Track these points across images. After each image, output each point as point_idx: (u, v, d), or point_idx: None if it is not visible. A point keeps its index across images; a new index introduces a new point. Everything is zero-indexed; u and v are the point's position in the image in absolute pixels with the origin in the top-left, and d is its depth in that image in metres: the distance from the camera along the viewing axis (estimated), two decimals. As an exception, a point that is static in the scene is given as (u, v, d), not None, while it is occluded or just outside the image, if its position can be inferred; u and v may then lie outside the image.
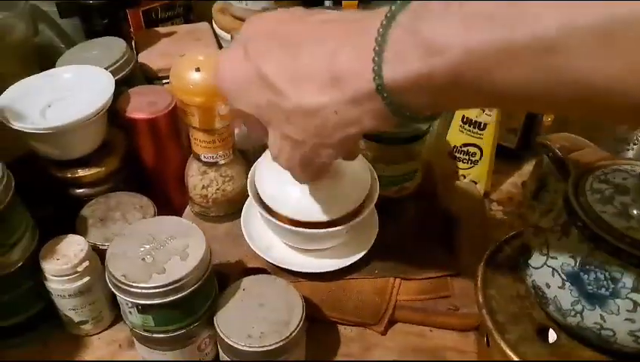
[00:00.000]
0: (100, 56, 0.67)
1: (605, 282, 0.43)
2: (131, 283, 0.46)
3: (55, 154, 0.60)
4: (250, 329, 0.50)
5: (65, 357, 0.57)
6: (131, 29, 0.82)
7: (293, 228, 0.56)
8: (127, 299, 0.47)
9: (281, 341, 0.49)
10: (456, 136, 0.72)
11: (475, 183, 0.75)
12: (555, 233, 0.47)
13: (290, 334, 0.50)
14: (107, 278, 0.48)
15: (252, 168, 0.62)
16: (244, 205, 0.66)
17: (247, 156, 0.69)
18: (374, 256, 0.62)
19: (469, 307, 0.59)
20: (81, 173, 0.62)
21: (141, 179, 0.67)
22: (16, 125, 0.56)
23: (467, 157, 0.73)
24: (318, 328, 0.59)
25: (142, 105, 0.62)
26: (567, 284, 0.45)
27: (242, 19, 0.83)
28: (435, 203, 0.70)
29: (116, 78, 0.65)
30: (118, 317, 0.60)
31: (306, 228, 0.56)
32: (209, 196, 0.65)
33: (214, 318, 0.51)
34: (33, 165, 0.61)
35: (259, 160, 0.61)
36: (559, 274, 0.46)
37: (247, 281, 0.54)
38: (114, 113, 0.63)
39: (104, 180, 0.63)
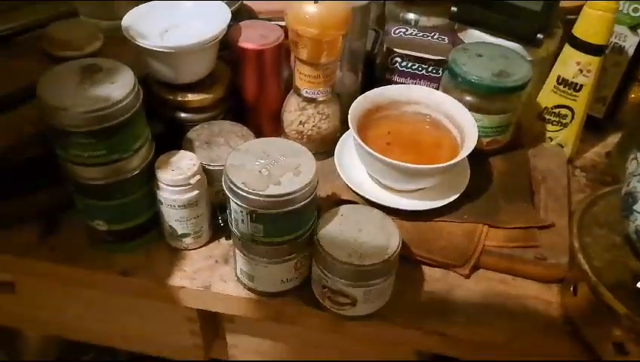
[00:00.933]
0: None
1: None
2: (250, 190, 0.49)
3: (168, 76, 0.63)
4: (351, 249, 0.52)
5: (166, 266, 0.61)
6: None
7: (391, 160, 0.58)
8: (245, 205, 0.50)
9: (380, 262, 0.52)
10: (548, 96, 0.73)
11: (562, 147, 0.75)
12: None
13: (389, 257, 0.52)
14: (225, 186, 0.51)
15: (352, 105, 0.64)
16: (338, 143, 0.68)
17: (340, 99, 0.71)
18: (465, 202, 0.64)
19: (557, 258, 0.60)
20: (190, 97, 0.65)
21: (240, 112, 0.70)
22: (140, 42, 0.59)
23: (557, 119, 0.73)
24: (404, 266, 0.60)
25: (253, 37, 0.65)
26: None
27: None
28: (523, 159, 0.71)
29: (227, 11, 0.68)
30: (214, 236, 0.64)
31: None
32: (305, 132, 0.67)
33: (315, 237, 0.53)
34: (148, 87, 0.65)
35: (356, 100, 0.63)
36: None
37: (344, 208, 0.56)
38: (224, 46, 0.66)
39: (209, 107, 0.66)
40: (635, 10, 0.71)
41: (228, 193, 0.51)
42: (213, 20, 0.63)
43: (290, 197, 0.49)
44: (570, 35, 0.68)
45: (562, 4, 0.79)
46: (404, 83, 0.74)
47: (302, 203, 0.50)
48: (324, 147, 0.69)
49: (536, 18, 0.67)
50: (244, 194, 0.49)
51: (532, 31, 0.67)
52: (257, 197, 0.49)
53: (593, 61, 0.67)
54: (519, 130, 0.75)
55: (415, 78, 0.73)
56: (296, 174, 0.51)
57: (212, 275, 0.60)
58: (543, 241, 0.62)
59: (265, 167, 0.51)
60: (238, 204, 0.50)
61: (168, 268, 0.61)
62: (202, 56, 0.62)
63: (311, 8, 0.58)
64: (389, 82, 0.75)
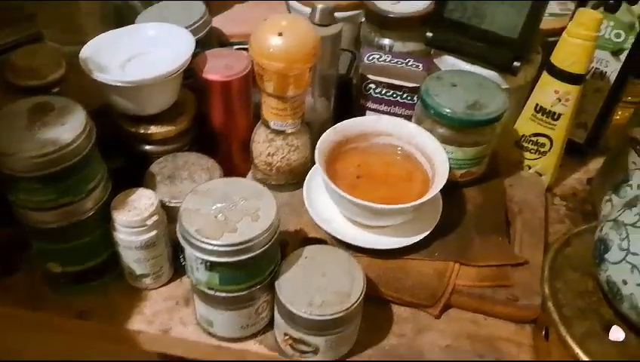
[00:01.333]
0: (179, 16, 0.67)
1: None
2: (203, 239, 0.47)
3: (131, 108, 0.61)
4: (312, 297, 0.50)
5: (125, 307, 0.59)
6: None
7: (363, 201, 0.56)
8: (198, 254, 0.48)
9: (342, 311, 0.50)
10: (526, 124, 0.71)
11: (541, 175, 0.73)
12: (638, 228, 0.45)
13: (352, 305, 0.50)
14: (178, 233, 0.49)
15: (320, 140, 0.62)
16: (307, 175, 0.66)
17: (311, 129, 0.69)
18: (435, 239, 0.62)
19: (529, 298, 0.58)
20: (153, 129, 0.62)
21: (208, 143, 0.68)
22: (98, 76, 0.57)
23: (535, 148, 0.71)
24: (372, 306, 0.58)
25: (218, 67, 0.63)
26: None
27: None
28: (498, 190, 0.69)
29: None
30: (175, 275, 0.62)
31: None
32: (273, 164, 0.65)
33: (276, 283, 0.51)
34: (108, 118, 0.63)
35: (324, 134, 0.61)
36: (639, 271, 0.44)
37: (309, 250, 0.54)
38: (189, 73, 0.63)
39: (174, 139, 0.64)
40: (617, 35, 0.69)
41: (181, 240, 0.49)
42: (178, 48, 0.61)
43: (247, 245, 0.47)
44: (548, 62, 0.66)
45: (542, 25, 0.78)
46: (378, 109, 0.72)
47: (260, 250, 0.48)
48: (294, 178, 0.67)
49: (512, 46, 0.64)
50: (197, 243, 0.47)
51: (509, 59, 0.65)
52: (211, 246, 0.47)
53: (572, 90, 0.65)
54: (496, 158, 0.73)
55: (390, 104, 0.72)
56: (255, 219, 0.49)
57: (172, 318, 0.58)
58: (516, 280, 0.60)
59: (222, 212, 0.49)
60: (192, 253, 0.48)
61: (127, 309, 0.59)
62: (165, 87, 0.60)
63: (276, 41, 0.55)
64: (364, 108, 0.73)
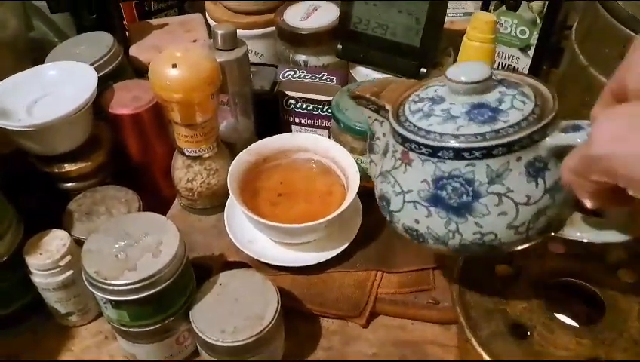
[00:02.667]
0: (87, 51, 0.68)
1: (463, 188, 0.42)
2: (103, 280, 0.47)
3: (40, 150, 0.61)
4: (224, 324, 0.51)
5: (53, 347, 0.59)
6: (124, 22, 0.83)
7: (271, 223, 0.57)
8: (101, 294, 0.48)
9: (254, 336, 0.50)
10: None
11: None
12: (399, 168, 0.45)
13: (264, 329, 0.51)
14: (82, 274, 0.50)
15: (232, 164, 0.63)
16: (229, 198, 0.66)
17: (234, 149, 0.70)
18: (356, 249, 0.63)
19: (450, 301, 0.58)
20: (67, 167, 0.63)
21: (130, 172, 0.68)
22: (1, 123, 0.57)
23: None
24: (299, 320, 0.59)
25: (125, 101, 0.63)
26: (432, 209, 0.44)
27: (234, 10, 0.83)
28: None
29: (103, 72, 0.66)
30: (105, 309, 0.62)
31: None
32: (194, 189, 0.66)
33: (190, 313, 0.52)
34: (22, 159, 0.63)
35: (238, 157, 0.61)
36: (421, 204, 0.44)
37: (224, 276, 0.55)
38: (100, 108, 0.64)
39: (91, 174, 0.64)
40: (523, 32, 0.70)
41: (84, 281, 0.49)
42: (82, 86, 0.61)
43: (148, 282, 0.48)
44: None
45: (456, 25, 0.79)
46: (302, 123, 0.73)
47: (164, 284, 0.49)
48: (218, 201, 0.68)
49: (416, 54, 0.65)
50: (98, 284, 0.48)
51: (415, 66, 0.66)
52: (111, 287, 0.47)
53: (480, 91, 0.66)
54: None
55: (312, 117, 0.72)
56: (156, 255, 0.49)
57: (101, 353, 0.59)
58: (437, 282, 0.61)
59: (123, 250, 0.50)
60: (95, 293, 0.49)
61: (56, 349, 0.59)
62: (72, 127, 0.61)
63: (171, 72, 0.56)
64: (289, 122, 0.74)
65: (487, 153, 0.40)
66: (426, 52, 0.65)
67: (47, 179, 0.63)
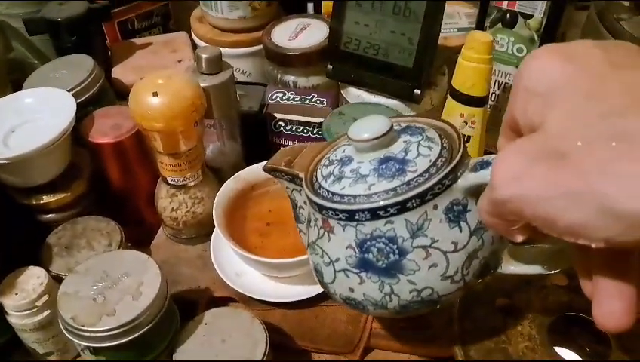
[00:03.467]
0: (66, 76, 0.65)
1: (387, 247, 0.40)
2: (80, 326, 0.45)
3: (18, 182, 0.58)
4: (210, 367, 0.48)
5: (31, 390, 0.56)
6: (108, 42, 0.80)
7: (260, 258, 0.54)
8: (78, 341, 0.45)
9: (242, 380, 0.47)
10: (440, 148, 0.69)
11: (462, 196, 0.72)
12: (323, 237, 0.43)
13: (252, 372, 0.48)
14: (59, 319, 0.47)
15: (219, 192, 0.60)
16: (215, 228, 0.63)
17: (222, 174, 0.67)
18: (349, 281, 0.60)
19: (447, 336, 0.56)
20: (46, 198, 0.60)
21: (112, 201, 0.65)
22: (-28, 156, 0.54)
23: (452, 171, 0.70)
24: (290, 355, 0.57)
25: (106, 129, 0.60)
26: (363, 274, 0.41)
27: (219, 29, 0.80)
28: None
29: (83, 98, 0.64)
30: (86, 347, 0.59)
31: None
32: (179, 219, 0.63)
33: (174, 356, 0.49)
34: (-1, 191, 0.60)
35: (224, 185, 0.58)
36: (351, 272, 0.42)
37: (209, 315, 0.52)
38: (78, 135, 0.61)
39: (71, 205, 0.62)
40: (520, 50, 0.68)
41: (61, 326, 0.46)
42: (60, 113, 0.58)
43: (127, 327, 0.45)
44: (450, 86, 0.65)
45: (449, 41, 0.77)
46: (291, 145, 0.70)
47: (143, 329, 0.46)
48: (204, 230, 0.65)
49: (409, 75, 0.63)
50: (75, 330, 0.45)
51: (408, 87, 0.64)
52: (88, 333, 0.44)
53: (477, 112, 0.64)
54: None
55: (302, 139, 0.70)
56: (136, 298, 0.46)
57: (81, 394, 0.56)
58: (434, 318, 0.58)
59: (101, 293, 0.47)
60: (72, 340, 0.46)
61: (33, 391, 0.56)
62: (50, 157, 0.58)
63: (152, 101, 0.53)
64: (277, 145, 0.71)
65: (403, 208, 0.39)
66: (420, 73, 0.62)
67: (24, 211, 0.60)
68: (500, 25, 0.67)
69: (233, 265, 0.60)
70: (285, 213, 0.62)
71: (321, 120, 0.66)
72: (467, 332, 0.51)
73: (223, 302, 0.59)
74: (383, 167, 0.40)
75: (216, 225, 0.56)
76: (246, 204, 0.63)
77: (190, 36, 0.83)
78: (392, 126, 0.41)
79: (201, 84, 0.58)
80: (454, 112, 0.65)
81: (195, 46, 0.82)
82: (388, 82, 0.64)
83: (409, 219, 0.39)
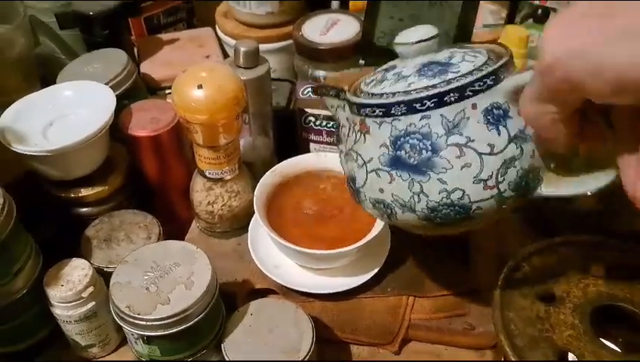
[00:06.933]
0: (100, 70, 0.65)
1: (421, 143, 0.40)
2: (136, 315, 0.45)
3: (56, 175, 0.58)
4: (261, 356, 0.48)
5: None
6: (133, 37, 0.80)
7: (301, 248, 0.54)
8: (132, 330, 0.46)
9: (292, 369, 0.48)
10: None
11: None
12: (359, 141, 0.44)
13: (302, 361, 0.48)
14: (111, 308, 0.47)
15: (259, 184, 0.60)
16: (252, 221, 0.64)
17: (253, 168, 0.68)
18: (387, 273, 0.61)
19: (486, 325, 0.57)
20: (84, 192, 0.60)
21: (146, 195, 0.66)
22: (17, 148, 0.54)
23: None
24: (331, 348, 0.57)
25: (144, 122, 0.61)
26: (394, 172, 0.42)
27: (246, 24, 0.80)
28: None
29: (117, 92, 0.64)
30: (125, 340, 0.59)
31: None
32: (215, 212, 0.63)
33: (222, 346, 0.49)
34: (35, 184, 0.60)
35: (262, 178, 0.59)
36: (382, 171, 0.42)
37: (254, 305, 0.53)
38: (116, 129, 0.61)
39: (108, 198, 0.62)
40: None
41: (114, 315, 0.47)
42: (99, 107, 0.59)
43: (182, 316, 0.45)
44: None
45: (477, 37, 0.77)
46: (320, 140, 0.71)
47: (197, 318, 0.46)
48: (239, 223, 0.65)
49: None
50: (130, 319, 0.45)
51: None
52: (144, 322, 0.45)
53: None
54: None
55: (332, 135, 0.70)
56: (188, 287, 0.47)
57: (122, 386, 0.56)
58: (472, 306, 0.59)
59: (153, 282, 0.47)
60: (126, 328, 0.46)
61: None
62: (89, 150, 0.58)
63: (197, 93, 0.53)
64: (307, 140, 0.71)
65: (440, 101, 0.39)
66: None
67: (62, 204, 0.60)
68: (531, 20, 0.67)
69: (271, 257, 0.61)
70: (320, 204, 0.63)
71: (351, 114, 0.67)
72: (510, 321, 0.51)
73: (262, 293, 0.59)
74: (426, 68, 0.41)
75: (258, 216, 0.57)
76: (283, 197, 0.63)
77: (215, 32, 0.83)
78: (438, 33, 0.42)
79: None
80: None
81: (220, 42, 0.82)
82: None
83: (445, 115, 0.39)
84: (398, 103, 0.40)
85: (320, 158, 0.65)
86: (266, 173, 0.62)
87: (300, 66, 0.75)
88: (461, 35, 0.61)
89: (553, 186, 0.42)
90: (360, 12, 0.72)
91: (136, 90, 0.68)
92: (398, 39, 0.43)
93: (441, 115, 0.39)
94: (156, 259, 0.49)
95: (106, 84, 0.63)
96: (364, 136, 0.43)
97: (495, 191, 0.40)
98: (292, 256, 0.58)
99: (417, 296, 0.59)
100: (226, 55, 0.81)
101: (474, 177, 0.40)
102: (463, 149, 0.39)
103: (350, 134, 0.46)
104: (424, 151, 0.40)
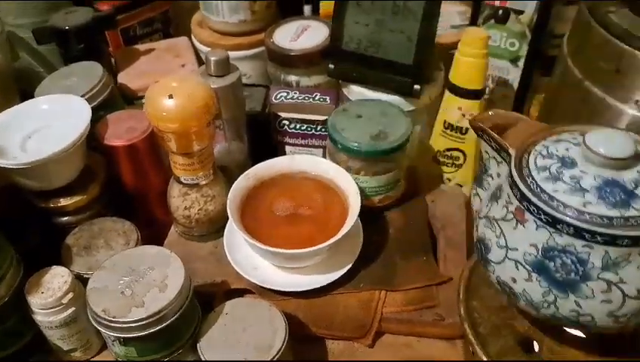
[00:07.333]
0: (77, 83, 0.67)
1: (573, 266, 0.40)
2: (111, 318, 0.47)
3: (36, 186, 0.60)
4: (234, 355, 0.50)
5: (57, 385, 0.58)
6: (111, 49, 0.82)
7: (272, 248, 0.56)
8: (109, 332, 0.48)
9: (265, 365, 0.50)
10: (438, 140, 0.72)
11: (461, 186, 0.75)
12: (509, 221, 0.43)
13: (273, 357, 0.50)
14: (88, 312, 0.49)
15: (232, 189, 0.62)
16: (228, 223, 0.66)
17: (229, 173, 0.69)
18: (360, 269, 0.63)
19: (455, 316, 0.58)
20: (63, 201, 0.62)
21: (125, 202, 0.68)
22: (-6, 161, 0.56)
23: (451, 161, 0.73)
24: (307, 344, 0.59)
25: (119, 132, 0.63)
26: (534, 275, 0.42)
27: (220, 32, 0.83)
28: (420, 210, 0.70)
29: (94, 103, 0.66)
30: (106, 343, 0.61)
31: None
32: (192, 217, 0.65)
33: (198, 345, 0.51)
34: (16, 196, 0.62)
35: (236, 182, 0.61)
36: (523, 266, 0.43)
37: (229, 305, 0.54)
38: (93, 139, 0.63)
39: (87, 207, 0.64)
40: (512, 44, 0.71)
41: (91, 319, 0.49)
42: (75, 119, 0.60)
43: (156, 317, 0.47)
44: (448, 81, 0.68)
45: (444, 38, 0.80)
46: (296, 143, 0.73)
47: (172, 319, 0.48)
48: (216, 227, 0.67)
49: (409, 71, 0.66)
50: (106, 322, 0.47)
51: (408, 83, 0.67)
52: (119, 324, 0.47)
53: (473, 105, 0.67)
54: (416, 174, 0.74)
55: (306, 137, 0.72)
56: (162, 289, 0.49)
57: (105, 388, 0.58)
58: (442, 298, 0.61)
59: (129, 286, 0.49)
60: (103, 331, 0.48)
61: (59, 386, 0.58)
62: (67, 161, 0.60)
63: (168, 103, 0.55)
64: (282, 143, 0.74)
65: (611, 241, 0.38)
66: (419, 69, 0.65)
67: (43, 214, 0.62)
68: (492, 21, 0.70)
69: (248, 258, 0.63)
70: (294, 205, 0.65)
71: (324, 117, 0.69)
72: (474, 310, 0.54)
73: (238, 293, 0.61)
74: (607, 189, 0.39)
75: (231, 219, 0.59)
76: (257, 199, 0.65)
77: (191, 40, 0.85)
78: (636, 150, 0.39)
79: (211, 86, 0.61)
80: (452, 106, 0.68)
81: (196, 50, 0.84)
82: (388, 79, 0.67)
83: (609, 253, 0.39)
84: (568, 224, 0.39)
85: (293, 160, 0.67)
86: (240, 177, 0.64)
87: (273, 72, 0.77)
88: (423, 39, 0.64)
89: None
90: (330, 18, 0.74)
91: (112, 100, 0.69)
92: (589, 141, 0.40)
93: (606, 251, 0.39)
94: (132, 264, 0.51)
95: (83, 96, 0.65)
96: (517, 223, 0.42)
97: (622, 324, 0.41)
98: (266, 256, 0.60)
99: (389, 290, 0.61)
100: (201, 63, 0.83)
101: (610, 312, 0.40)
102: (611, 286, 0.39)
103: (500, 204, 0.44)
104: (573, 274, 0.40)
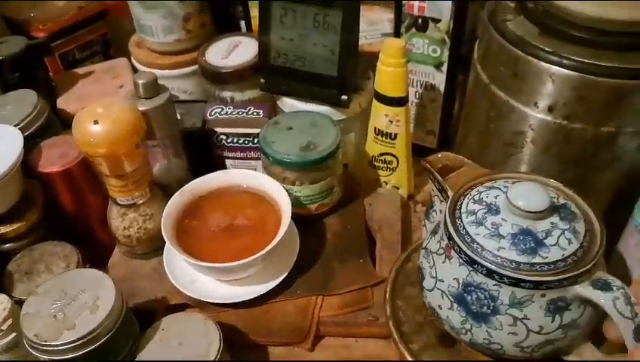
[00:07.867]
0: (12, 111, 0.68)
1: (486, 301, 0.45)
2: (43, 342, 0.48)
3: (-30, 216, 0.61)
4: (170, 368, 0.52)
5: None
6: (50, 74, 0.83)
7: (207, 264, 0.58)
8: (43, 356, 0.49)
9: (199, 377, 0.52)
10: (372, 146, 0.75)
11: (397, 188, 0.77)
12: (440, 255, 0.49)
13: (207, 369, 0.52)
14: (23, 338, 0.50)
15: (167, 205, 0.64)
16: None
17: (170, 190, 0.71)
18: (297, 277, 0.65)
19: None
20: (2, 229, 0.63)
21: (66, 225, 0.69)
22: None
23: (385, 165, 0.75)
24: (247, 351, 0.61)
25: (53, 158, 0.64)
26: (455, 305, 0.48)
27: (157, 52, 0.84)
28: (357, 214, 0.73)
29: (29, 131, 0.67)
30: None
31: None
32: (132, 236, 0.67)
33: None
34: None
35: (171, 199, 0.63)
36: (447, 296, 0.48)
37: (166, 321, 0.56)
38: (28, 167, 0.64)
39: (27, 233, 0.65)
40: (434, 50, 0.74)
41: (26, 345, 0.50)
42: (7, 149, 0.62)
43: (87, 339, 0.49)
44: (374, 90, 0.70)
45: (374, 47, 0.82)
46: (236, 156, 0.75)
47: (104, 339, 0.50)
48: (156, 244, 0.69)
49: (334, 82, 0.68)
50: (38, 346, 0.49)
51: (336, 94, 0.69)
52: (51, 348, 0.48)
53: (400, 111, 0.70)
54: (354, 180, 0.77)
55: (244, 150, 0.74)
56: (94, 311, 0.50)
57: (52, 410, 0.59)
58: (376, 299, 0.63)
59: (61, 310, 0.51)
60: (37, 355, 0.50)
61: (6, 412, 0.59)
62: (3, 189, 0.61)
63: (94, 128, 0.57)
64: (222, 158, 0.76)
65: (516, 283, 0.43)
66: (344, 80, 0.68)
67: (-18, 243, 0.63)
68: (414, 30, 0.73)
69: (186, 273, 0.64)
70: (231, 219, 0.67)
71: (258, 130, 0.71)
72: (399, 309, 0.56)
73: (180, 308, 0.63)
74: (521, 237, 0.44)
75: (165, 238, 0.61)
76: (193, 215, 0.66)
77: (130, 61, 0.87)
78: (549, 205, 0.44)
79: (140, 108, 0.63)
80: (380, 113, 0.71)
81: (135, 70, 0.86)
82: (316, 91, 0.70)
83: (515, 293, 0.44)
84: (482, 265, 0.44)
85: (228, 175, 0.69)
86: (175, 194, 0.66)
87: (208, 89, 0.79)
88: (345, 51, 0.66)
89: (577, 356, 0.48)
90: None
91: (48, 127, 0.71)
92: (511, 194, 0.45)
93: (512, 291, 0.44)
94: (65, 288, 0.52)
95: (17, 124, 0.66)
96: (445, 258, 0.48)
97: (528, 354, 0.47)
98: (201, 271, 0.62)
99: (325, 294, 0.64)
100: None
101: (516, 343, 0.46)
102: (517, 322, 0.45)
103: (436, 238, 0.50)
104: (485, 308, 0.45)
